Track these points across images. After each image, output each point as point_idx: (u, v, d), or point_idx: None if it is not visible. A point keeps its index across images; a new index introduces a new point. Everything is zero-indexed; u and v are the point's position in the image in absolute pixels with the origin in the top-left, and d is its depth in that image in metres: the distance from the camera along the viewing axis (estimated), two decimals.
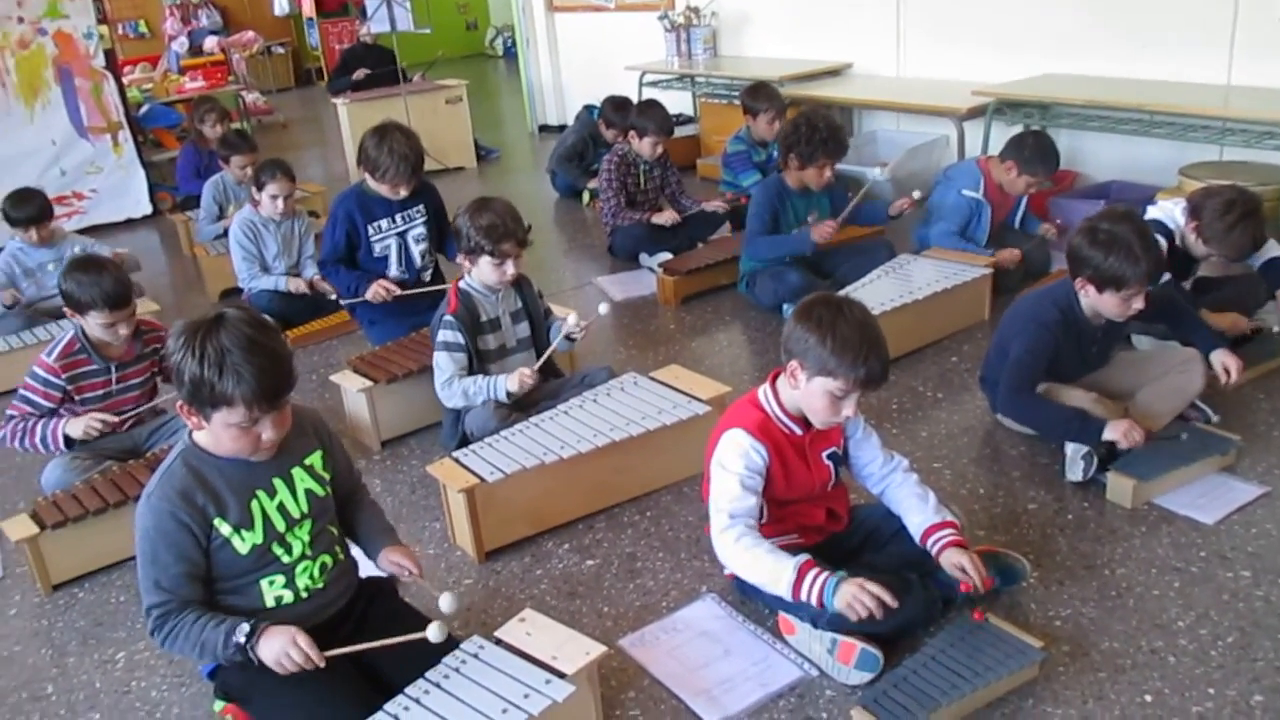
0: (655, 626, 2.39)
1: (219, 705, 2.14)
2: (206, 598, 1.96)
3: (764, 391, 2.31)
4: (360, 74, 7.75)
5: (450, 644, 2.00)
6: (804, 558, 2.10)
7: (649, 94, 6.83)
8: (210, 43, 11.35)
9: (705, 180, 6.50)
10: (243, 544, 1.95)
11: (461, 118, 7.59)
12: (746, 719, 2.09)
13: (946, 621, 2.24)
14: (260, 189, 4.52)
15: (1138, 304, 2.75)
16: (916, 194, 4.20)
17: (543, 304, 3.36)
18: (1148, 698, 2.04)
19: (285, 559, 2.01)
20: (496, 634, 2.08)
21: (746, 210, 4.33)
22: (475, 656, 2.01)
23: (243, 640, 1.87)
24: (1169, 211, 3.36)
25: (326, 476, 2.10)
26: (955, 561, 2.16)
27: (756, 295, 4.22)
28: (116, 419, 3.07)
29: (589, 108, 6.46)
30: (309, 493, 2.04)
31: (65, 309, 3.07)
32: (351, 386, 3.40)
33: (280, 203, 4.51)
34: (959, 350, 3.76)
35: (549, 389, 3.23)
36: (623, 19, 7.87)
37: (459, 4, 14.84)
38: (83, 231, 5.68)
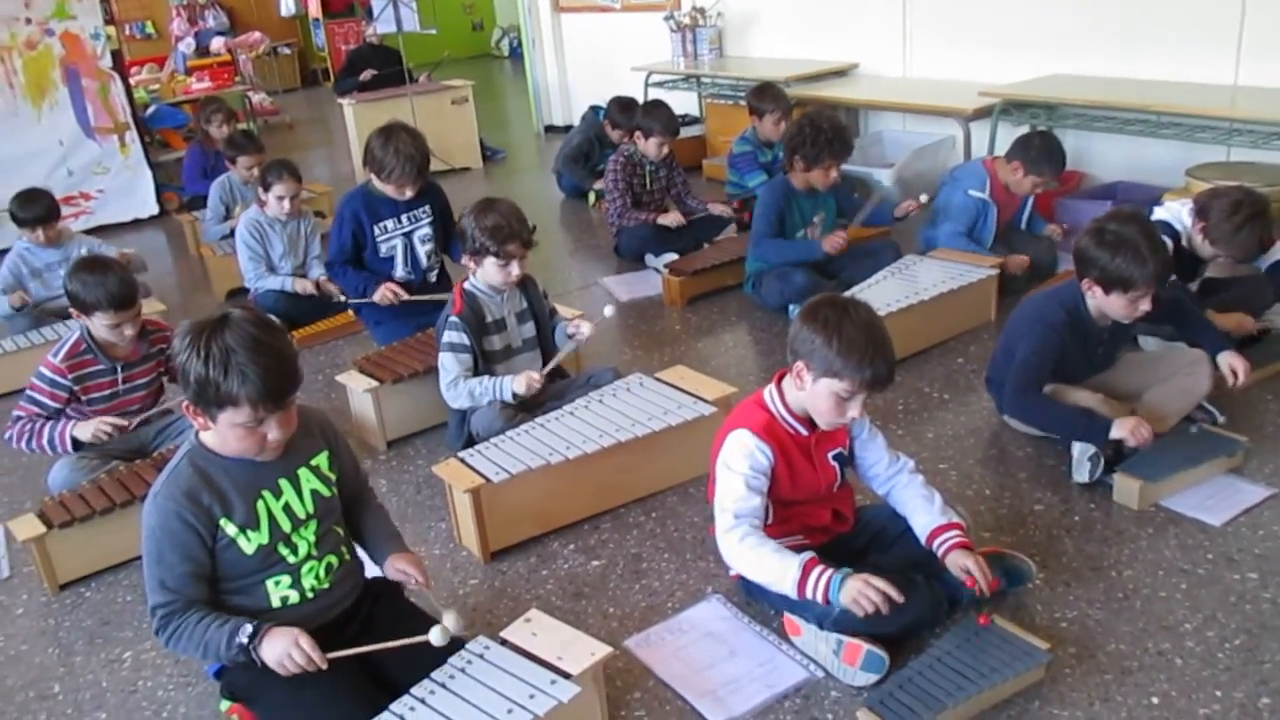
0: (660, 627, 2.39)
1: (225, 705, 2.15)
2: (212, 598, 1.96)
3: (770, 392, 2.30)
4: (366, 75, 7.76)
5: (456, 644, 2.00)
6: (809, 555, 2.10)
7: (655, 94, 6.81)
8: (217, 43, 11.38)
9: (711, 181, 6.49)
10: (248, 544, 1.95)
11: (467, 118, 7.59)
12: None
13: (952, 623, 2.24)
14: (266, 189, 4.53)
15: (1145, 305, 2.74)
16: (924, 197, 4.19)
17: (548, 304, 3.37)
18: (1154, 700, 2.04)
19: (291, 559, 2.01)
20: (502, 634, 2.08)
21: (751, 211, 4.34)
22: (481, 657, 2.01)
23: (245, 641, 1.87)
24: (1176, 213, 3.35)
25: (333, 477, 2.10)
26: (961, 564, 2.16)
27: (762, 296, 4.22)
28: (126, 423, 3.06)
29: (595, 108, 6.46)
30: (315, 493, 2.04)
31: (71, 309, 3.07)
32: (357, 387, 3.40)
33: (286, 203, 4.52)
34: (965, 351, 3.75)
35: (555, 389, 3.23)
36: (628, 19, 7.87)
37: (465, 4, 14.85)
38: (89, 232, 5.70)
